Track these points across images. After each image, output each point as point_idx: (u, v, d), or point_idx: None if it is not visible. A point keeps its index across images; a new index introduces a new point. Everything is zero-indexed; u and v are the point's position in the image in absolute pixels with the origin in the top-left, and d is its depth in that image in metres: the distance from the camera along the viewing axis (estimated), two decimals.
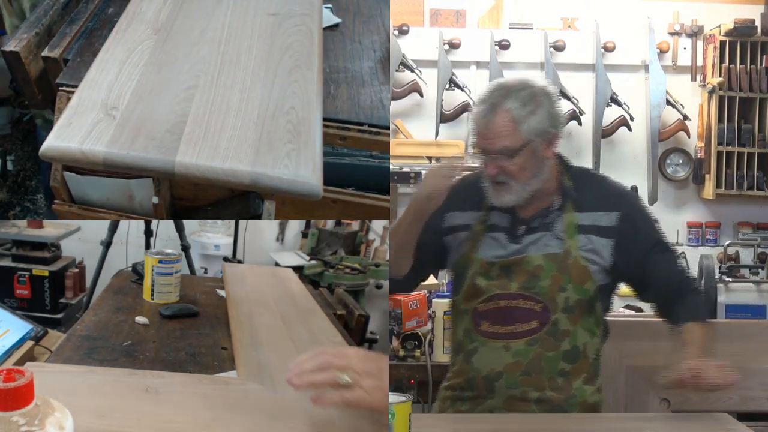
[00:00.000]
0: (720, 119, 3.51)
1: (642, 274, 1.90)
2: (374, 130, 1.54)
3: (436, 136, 3.54)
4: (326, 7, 1.85)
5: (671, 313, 1.91)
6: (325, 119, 1.44)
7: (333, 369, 1.23)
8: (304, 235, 4.14)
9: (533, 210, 1.83)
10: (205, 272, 4.00)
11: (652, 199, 3.62)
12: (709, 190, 3.55)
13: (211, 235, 4.17)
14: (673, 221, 3.70)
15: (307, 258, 4.05)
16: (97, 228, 3.85)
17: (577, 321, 1.85)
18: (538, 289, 1.81)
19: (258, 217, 1.34)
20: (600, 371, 1.93)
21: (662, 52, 3.61)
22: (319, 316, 2.16)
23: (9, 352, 1.91)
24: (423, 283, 2.10)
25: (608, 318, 1.95)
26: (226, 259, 3.70)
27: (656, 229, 1.93)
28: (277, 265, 3.80)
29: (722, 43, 3.49)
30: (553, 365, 1.83)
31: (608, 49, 3.61)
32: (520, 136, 1.72)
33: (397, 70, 3.48)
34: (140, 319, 1.97)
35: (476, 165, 1.82)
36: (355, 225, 3.53)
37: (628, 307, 3.51)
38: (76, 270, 3.75)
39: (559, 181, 1.84)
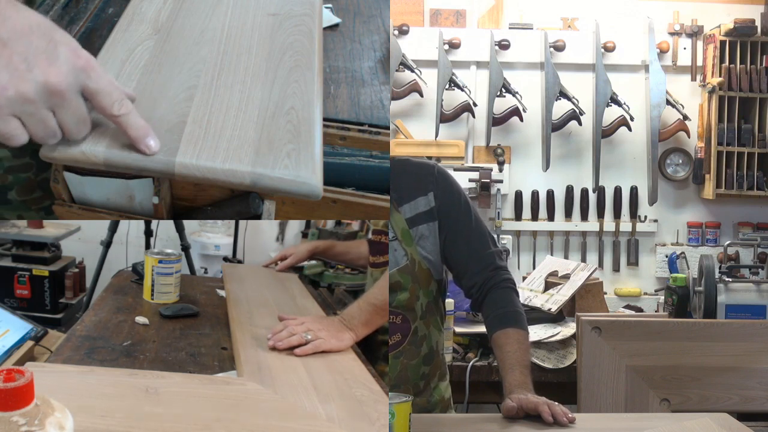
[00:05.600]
0: (720, 119, 3.51)
1: (458, 256, 1.88)
2: (374, 130, 1.53)
3: (436, 136, 3.54)
4: (326, 7, 1.84)
5: (480, 310, 1.89)
6: (325, 119, 1.44)
7: (299, 332, 1.73)
8: (304, 235, 4.13)
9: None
10: (205, 272, 4.00)
11: (652, 199, 3.62)
12: (709, 190, 3.55)
13: (211, 235, 4.17)
14: (673, 221, 3.71)
15: None
16: (97, 228, 3.85)
17: (429, 323, 1.89)
18: (397, 303, 1.84)
19: (258, 217, 1.34)
20: (446, 365, 1.98)
21: (662, 52, 3.62)
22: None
23: (9, 352, 1.91)
24: None
25: (604, 318, 1.95)
26: (226, 259, 3.69)
27: (467, 204, 1.91)
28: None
29: (722, 43, 3.49)
30: (416, 371, 1.88)
31: (608, 49, 3.61)
32: None
33: (397, 70, 3.48)
34: (140, 319, 1.97)
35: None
36: (355, 225, 3.52)
37: (628, 307, 3.52)
38: (76, 270, 3.74)
39: None
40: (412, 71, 3.49)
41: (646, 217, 3.69)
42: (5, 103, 1.07)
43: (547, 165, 3.57)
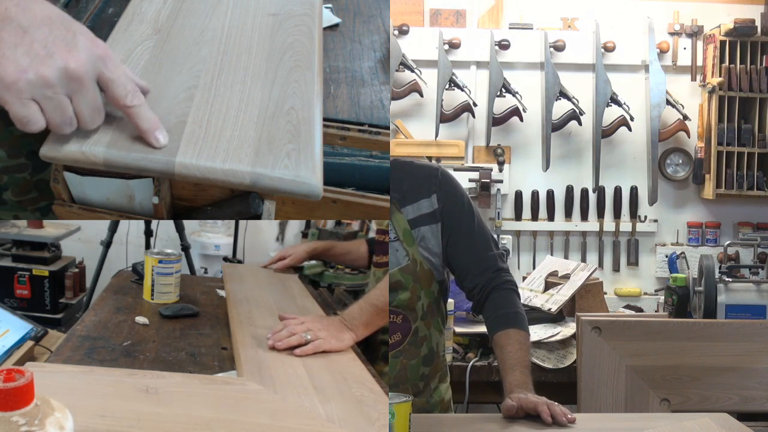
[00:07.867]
0: (720, 119, 3.51)
1: (460, 258, 1.89)
2: (374, 130, 1.54)
3: (436, 136, 3.54)
4: (326, 7, 1.85)
5: (482, 312, 1.90)
6: (325, 119, 1.44)
7: (299, 332, 1.72)
8: (304, 235, 4.13)
9: None
10: (205, 272, 4.00)
11: (652, 199, 3.62)
12: (709, 190, 3.55)
13: (211, 235, 4.17)
14: (673, 221, 3.71)
15: None
16: (97, 228, 3.85)
17: (430, 324, 1.90)
18: (398, 302, 1.84)
19: (258, 217, 1.34)
20: (447, 366, 1.99)
21: (662, 52, 3.62)
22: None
23: (9, 352, 1.91)
24: None
25: (604, 318, 1.95)
26: (226, 259, 3.69)
27: (470, 207, 1.91)
28: None
29: (722, 43, 3.49)
30: (416, 372, 1.88)
31: (608, 49, 3.61)
32: None
33: (397, 70, 3.48)
34: (140, 319, 1.97)
35: None
36: (355, 225, 3.53)
37: (628, 307, 3.52)
38: (76, 270, 3.74)
39: None
40: (412, 71, 3.49)
41: (646, 217, 3.69)
42: (25, 87, 1.09)
43: (547, 165, 3.57)
